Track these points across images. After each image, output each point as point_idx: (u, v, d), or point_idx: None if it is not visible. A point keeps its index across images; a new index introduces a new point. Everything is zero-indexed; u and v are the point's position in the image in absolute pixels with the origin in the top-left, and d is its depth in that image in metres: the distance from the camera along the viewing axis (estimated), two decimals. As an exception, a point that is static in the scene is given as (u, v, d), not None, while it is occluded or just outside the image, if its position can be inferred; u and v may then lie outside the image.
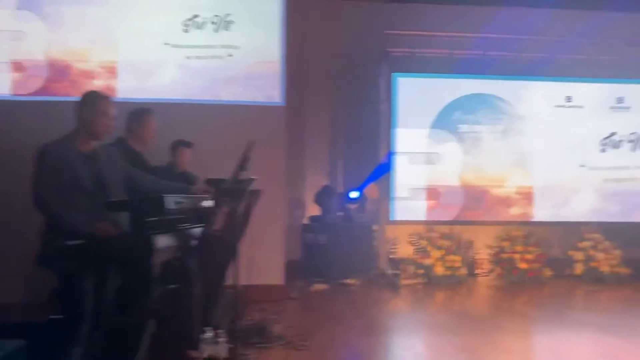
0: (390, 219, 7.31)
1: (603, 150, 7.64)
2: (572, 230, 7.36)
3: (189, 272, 2.78)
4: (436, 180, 7.41)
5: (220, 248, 2.90)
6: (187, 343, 3.16)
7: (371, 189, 7.33)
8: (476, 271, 7.25)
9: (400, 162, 7.36)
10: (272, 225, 5.49)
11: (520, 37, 7.17)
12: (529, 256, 6.94)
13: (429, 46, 7.19)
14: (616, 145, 7.65)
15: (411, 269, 6.90)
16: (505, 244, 7.05)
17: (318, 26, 7.43)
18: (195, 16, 5.62)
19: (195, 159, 5.05)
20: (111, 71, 5.55)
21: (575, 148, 7.59)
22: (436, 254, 6.88)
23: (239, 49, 5.63)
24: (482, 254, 7.23)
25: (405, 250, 7.16)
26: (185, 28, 5.61)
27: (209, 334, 3.39)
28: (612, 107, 7.67)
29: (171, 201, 2.52)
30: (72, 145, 2.95)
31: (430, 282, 6.76)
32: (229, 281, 4.05)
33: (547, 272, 6.94)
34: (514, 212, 7.51)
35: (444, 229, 7.16)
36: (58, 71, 5.46)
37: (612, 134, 7.64)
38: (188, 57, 5.61)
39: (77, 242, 2.66)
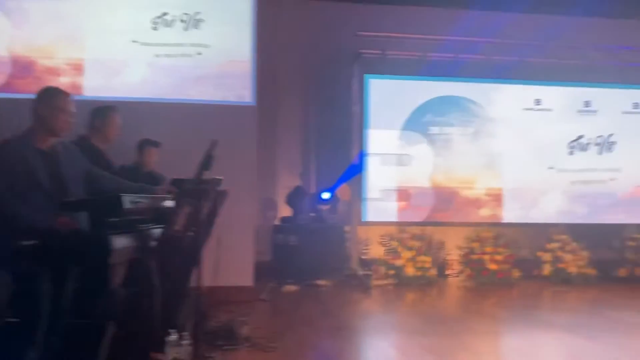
0: (362, 220, 7.32)
1: (571, 153, 7.76)
2: (541, 232, 7.47)
3: (149, 273, 2.72)
4: (407, 181, 7.43)
5: (182, 249, 2.84)
6: (150, 345, 3.09)
7: (343, 190, 7.32)
8: (446, 272, 7.29)
9: (372, 164, 7.38)
10: (242, 226, 5.45)
11: (490, 40, 7.26)
12: (498, 257, 7.01)
13: (401, 48, 7.21)
14: (584, 148, 7.78)
15: (382, 269, 6.91)
16: (475, 245, 7.11)
17: (290, 26, 7.41)
18: (165, 14, 5.56)
19: (163, 159, 4.98)
20: (77, 68, 5.44)
21: (544, 150, 7.70)
22: (407, 254, 6.91)
23: (209, 48, 5.58)
24: (453, 254, 7.28)
25: (376, 251, 7.18)
26: (154, 26, 5.54)
27: (173, 336, 3.33)
28: (580, 111, 7.80)
29: (128, 201, 2.46)
30: (29, 141, 2.86)
31: (401, 283, 6.78)
32: (194, 283, 4.02)
33: (516, 273, 7.01)
34: (484, 213, 7.58)
35: (415, 229, 7.19)
36: (22, 67, 5.34)
37: (580, 137, 7.77)
38: (157, 56, 5.54)
39: (33, 242, 2.57)
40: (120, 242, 2.55)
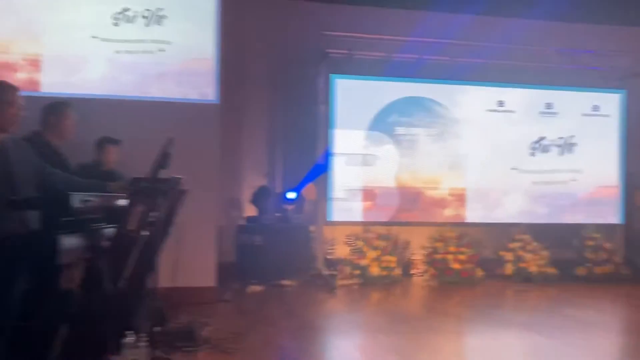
0: (328, 219, 7.31)
1: (533, 154, 7.90)
2: (503, 232, 7.59)
3: (100, 273, 2.65)
4: (373, 181, 7.46)
5: (136, 249, 2.77)
6: (103, 348, 3.02)
7: (309, 190, 7.30)
8: (411, 271, 7.34)
9: (338, 163, 7.38)
10: (204, 226, 5.37)
11: (455, 42, 7.34)
12: (461, 257, 7.09)
13: (367, 48, 7.23)
14: (545, 149, 7.93)
15: (347, 269, 6.92)
16: (439, 244, 7.18)
17: (256, 25, 7.36)
18: (126, 9, 5.44)
19: (124, 157, 4.88)
20: (35, 64, 5.29)
21: (507, 151, 7.82)
22: (372, 254, 6.93)
23: (171, 45, 5.48)
24: (417, 254, 7.33)
25: (342, 251, 7.18)
26: (115, 21, 5.41)
27: (130, 339, 3.27)
28: (542, 112, 7.94)
29: (77, 199, 2.39)
30: (-25, 137, 2.76)
31: (366, 283, 6.79)
32: (153, 284, 3.94)
33: (479, 272, 7.10)
34: (448, 213, 7.65)
35: (381, 229, 7.22)
36: (-25, 63, 5.16)
37: (542, 139, 7.92)
38: (118, 52, 5.41)
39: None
40: (70, 241, 2.47)
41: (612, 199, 8.07)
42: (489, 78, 7.61)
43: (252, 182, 7.25)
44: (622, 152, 8.10)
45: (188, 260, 5.03)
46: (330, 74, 7.33)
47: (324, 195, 7.32)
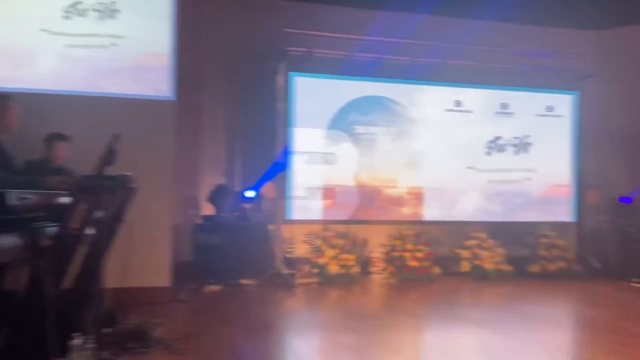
0: (287, 218, 7.28)
1: (489, 154, 8.04)
2: (460, 230, 7.69)
3: (40, 274, 2.55)
4: (332, 180, 7.47)
5: (81, 248, 2.69)
6: (48, 350, 2.92)
7: (268, 188, 7.25)
8: (370, 269, 7.37)
9: (298, 162, 7.36)
10: (157, 225, 5.27)
11: (414, 42, 7.41)
12: (419, 254, 7.16)
13: (327, 47, 7.23)
14: (501, 148, 8.09)
15: (306, 268, 6.90)
16: (397, 242, 7.24)
17: (215, 20, 7.25)
18: (78, 2, 5.28)
19: (76, 154, 4.74)
20: (-20, 57, 5.08)
21: (464, 151, 7.94)
22: (330, 252, 6.93)
23: (125, 39, 5.35)
24: (376, 252, 7.37)
25: (301, 249, 7.16)
26: (65, 14, 5.25)
27: (76, 341, 3.17)
28: (498, 113, 8.10)
29: (14, 197, 2.29)
30: None
31: (325, 281, 6.79)
32: (102, 284, 3.85)
33: (436, 270, 7.19)
34: (406, 211, 7.73)
35: (340, 228, 7.23)
36: None
37: (497, 138, 8.07)
38: (69, 46, 5.25)
39: None
40: (7, 241, 2.38)
41: (565, 197, 8.29)
42: (447, 78, 7.72)
43: (210, 180, 7.14)
44: (575, 152, 8.33)
45: (142, 259, 4.92)
46: (289, 72, 7.30)
47: (283, 193, 7.29)
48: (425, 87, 7.82)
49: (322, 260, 6.90)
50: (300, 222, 7.30)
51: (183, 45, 5.64)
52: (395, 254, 7.16)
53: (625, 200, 7.80)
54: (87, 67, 5.26)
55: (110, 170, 3.13)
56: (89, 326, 3.36)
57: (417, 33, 7.37)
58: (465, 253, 7.46)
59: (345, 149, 7.52)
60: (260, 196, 7.15)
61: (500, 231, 7.66)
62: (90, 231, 2.76)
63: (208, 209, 6.96)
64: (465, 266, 7.41)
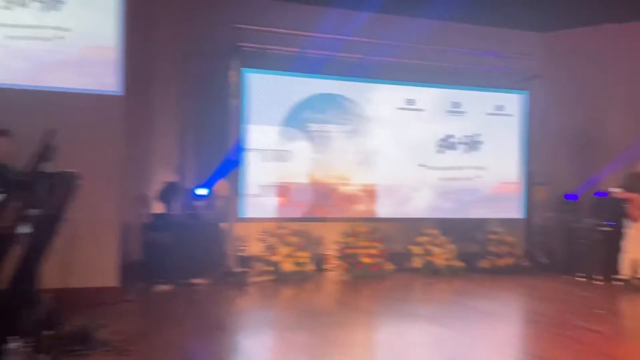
0: (240, 216, 7.20)
1: (440, 151, 8.16)
2: (412, 226, 7.79)
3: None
4: (287, 177, 7.43)
5: (14, 247, 2.57)
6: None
7: (221, 186, 7.14)
8: (324, 266, 7.37)
9: (252, 159, 7.29)
10: (104, 224, 5.12)
11: (368, 41, 7.43)
12: (372, 251, 7.21)
13: (280, 43, 7.18)
14: (452, 146, 8.22)
15: (260, 266, 6.85)
16: (350, 239, 7.26)
17: (164, 13, 7.09)
18: (19, -8, 5.07)
19: (18, 150, 4.54)
20: None
21: (416, 148, 8.04)
22: (284, 250, 6.89)
23: (70, 32, 5.17)
24: (330, 249, 7.38)
25: (255, 247, 7.09)
26: (6, 4, 5.03)
27: (13, 344, 3.05)
28: (449, 111, 8.23)
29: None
30: None
31: (279, 279, 6.75)
32: (42, 284, 3.71)
33: (389, 266, 7.25)
34: (359, 209, 7.76)
35: (295, 225, 7.20)
36: None
37: (449, 136, 8.20)
38: (9, 37, 5.04)
39: None
40: None
41: (514, 194, 8.50)
42: (400, 77, 7.79)
43: (161, 177, 6.98)
44: (523, 150, 8.55)
45: (88, 259, 4.78)
46: (242, 68, 7.21)
47: (236, 191, 7.21)
48: (378, 85, 7.87)
49: (276, 258, 6.85)
50: (254, 220, 7.24)
51: (132, 39, 5.50)
52: (349, 251, 7.19)
53: (571, 197, 8.05)
54: (29, 59, 5.06)
55: (49, 167, 3.02)
56: (27, 329, 3.23)
57: (369, 31, 7.40)
58: (417, 249, 7.55)
59: (300, 147, 7.50)
60: (213, 194, 7.04)
61: (452, 228, 7.79)
62: (25, 230, 2.64)
63: (158, 207, 6.80)
64: (417, 262, 7.50)
